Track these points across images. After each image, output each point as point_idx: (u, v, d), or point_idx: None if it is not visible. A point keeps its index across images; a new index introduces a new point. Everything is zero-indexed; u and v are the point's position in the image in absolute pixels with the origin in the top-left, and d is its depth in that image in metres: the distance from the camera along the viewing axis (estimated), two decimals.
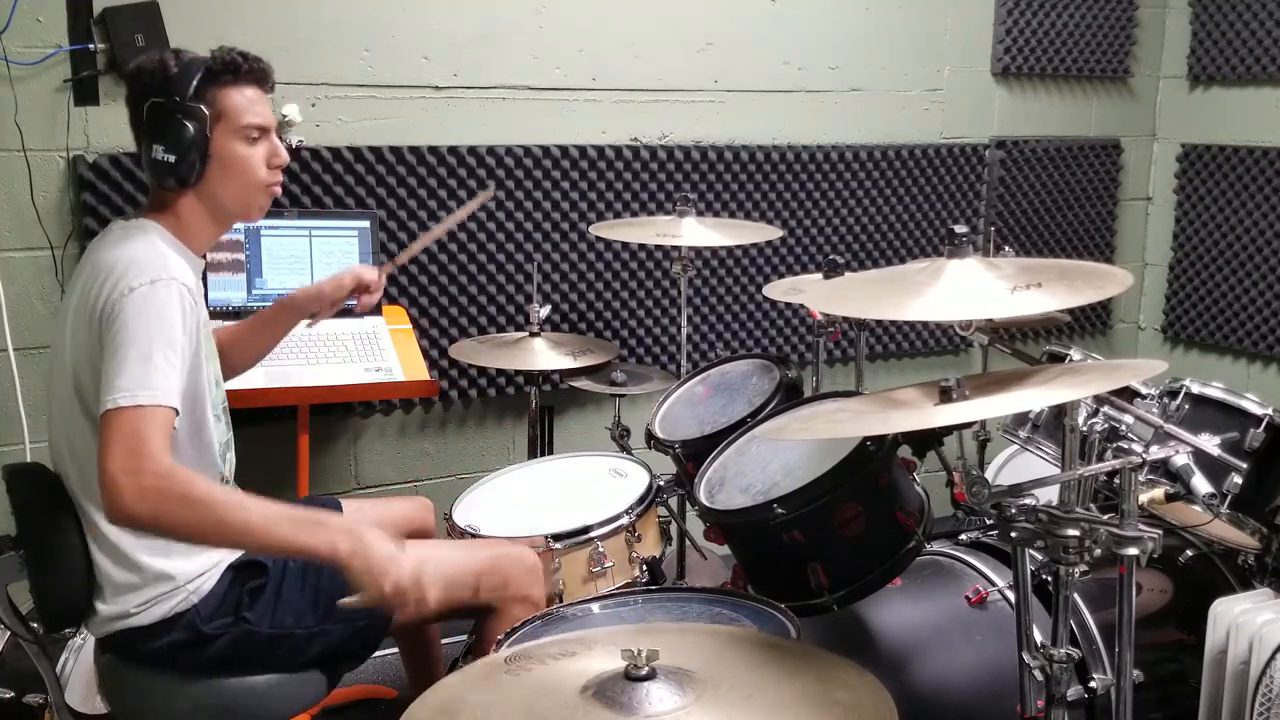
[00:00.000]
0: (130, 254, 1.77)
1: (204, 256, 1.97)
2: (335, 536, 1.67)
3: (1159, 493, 2.10)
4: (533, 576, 2.07)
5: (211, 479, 1.86)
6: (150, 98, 1.84)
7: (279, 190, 1.97)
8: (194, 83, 1.83)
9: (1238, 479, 2.13)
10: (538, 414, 3.06)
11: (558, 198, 3.27)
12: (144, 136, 1.85)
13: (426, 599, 1.70)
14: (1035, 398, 1.58)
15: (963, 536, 2.42)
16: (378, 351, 2.75)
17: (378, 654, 2.23)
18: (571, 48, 3.24)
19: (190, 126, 1.82)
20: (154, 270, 1.74)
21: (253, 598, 1.87)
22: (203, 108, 1.83)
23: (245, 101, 1.88)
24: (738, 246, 3.50)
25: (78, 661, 2.28)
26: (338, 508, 2.25)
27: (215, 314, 2.62)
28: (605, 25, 3.26)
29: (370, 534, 1.69)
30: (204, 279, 2.09)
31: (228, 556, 1.88)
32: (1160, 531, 1.54)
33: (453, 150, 3.12)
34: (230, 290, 2.80)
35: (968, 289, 1.66)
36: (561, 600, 2.13)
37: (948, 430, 1.66)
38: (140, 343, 1.68)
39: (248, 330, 2.23)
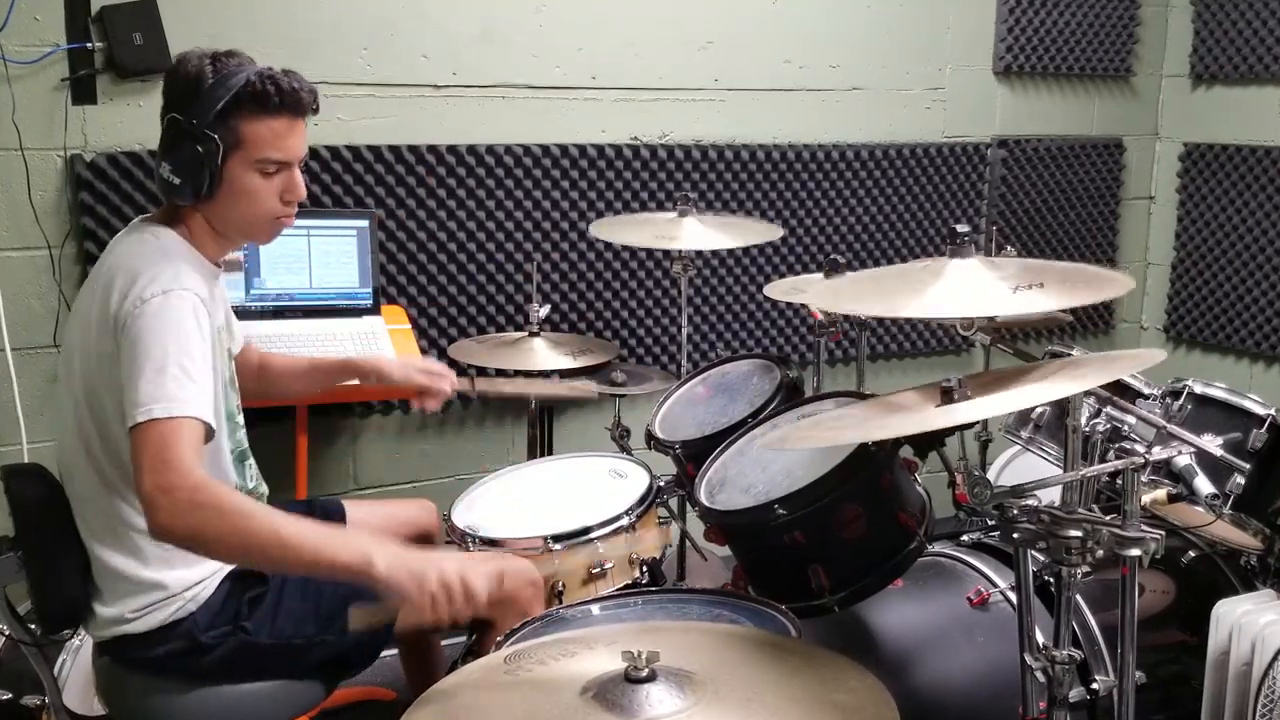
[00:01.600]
0: (143, 264, 1.75)
1: (219, 264, 1.93)
2: (369, 548, 1.60)
3: (1161, 493, 2.10)
4: (534, 591, 2.05)
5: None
6: (171, 111, 1.79)
7: (291, 222, 1.90)
8: (219, 107, 1.75)
9: (1240, 479, 2.13)
10: (537, 414, 3.05)
11: (557, 197, 3.26)
12: (159, 147, 1.81)
13: (477, 596, 1.62)
14: (1038, 393, 1.57)
15: (964, 537, 2.42)
16: (377, 351, 2.74)
17: None
18: (571, 46, 3.23)
19: (200, 151, 1.76)
20: (166, 281, 1.72)
21: (252, 607, 1.85)
22: (217, 138, 1.76)
23: (269, 134, 1.79)
24: (738, 246, 3.49)
25: (75, 663, 2.27)
26: (340, 509, 2.24)
27: None
28: (605, 24, 3.25)
29: (400, 546, 1.65)
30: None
31: (227, 565, 1.86)
32: (1162, 532, 1.53)
33: (452, 149, 3.11)
34: (229, 290, 2.74)
35: (969, 288, 1.65)
36: (561, 600, 2.12)
37: (950, 431, 1.65)
38: (155, 355, 1.65)
39: (302, 367, 2.29)
